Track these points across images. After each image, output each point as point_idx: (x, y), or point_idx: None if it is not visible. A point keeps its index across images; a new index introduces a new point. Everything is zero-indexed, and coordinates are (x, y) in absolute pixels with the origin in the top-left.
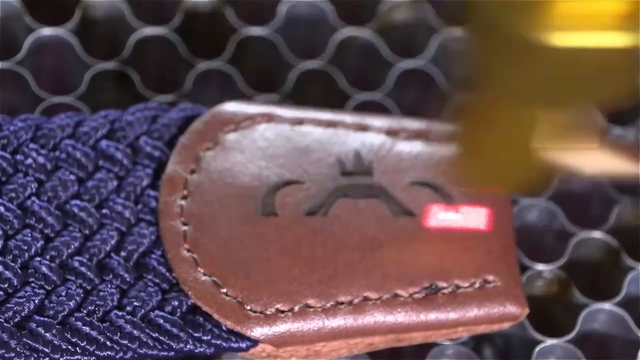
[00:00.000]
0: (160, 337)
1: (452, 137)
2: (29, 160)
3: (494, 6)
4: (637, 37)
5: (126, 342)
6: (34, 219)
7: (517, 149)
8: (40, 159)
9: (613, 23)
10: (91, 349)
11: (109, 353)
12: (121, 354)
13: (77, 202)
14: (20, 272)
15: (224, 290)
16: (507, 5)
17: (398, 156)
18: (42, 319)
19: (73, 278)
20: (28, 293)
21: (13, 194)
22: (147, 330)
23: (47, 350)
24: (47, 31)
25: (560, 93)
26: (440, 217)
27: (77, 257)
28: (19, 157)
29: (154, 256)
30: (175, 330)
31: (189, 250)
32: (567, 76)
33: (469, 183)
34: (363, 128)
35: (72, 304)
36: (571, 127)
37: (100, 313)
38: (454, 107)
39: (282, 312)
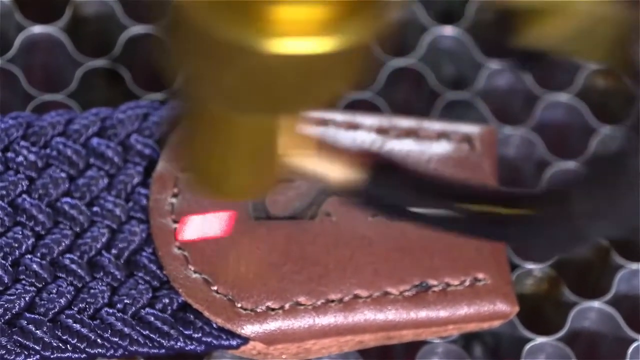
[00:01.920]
0: (151, 335)
1: (182, 148)
2: (20, 158)
3: (198, 8)
4: (345, 40)
5: (117, 339)
6: (24, 216)
7: (241, 156)
8: (31, 157)
9: (321, 28)
10: (82, 347)
11: (100, 350)
12: (112, 351)
13: (68, 199)
14: (11, 269)
15: (215, 287)
16: (213, 7)
17: (389, 154)
18: (32, 316)
19: (64, 275)
20: (19, 290)
21: (4, 192)
22: (138, 328)
23: (37, 347)
24: (37, 29)
25: (275, 99)
26: (191, 228)
27: (68, 255)
28: (9, 154)
29: (144, 254)
30: (165, 327)
31: (179, 248)
32: (280, 82)
33: (207, 193)
34: (354, 126)
35: (62, 301)
36: (288, 133)
37: (91, 310)
38: (177, 117)
39: (273, 309)
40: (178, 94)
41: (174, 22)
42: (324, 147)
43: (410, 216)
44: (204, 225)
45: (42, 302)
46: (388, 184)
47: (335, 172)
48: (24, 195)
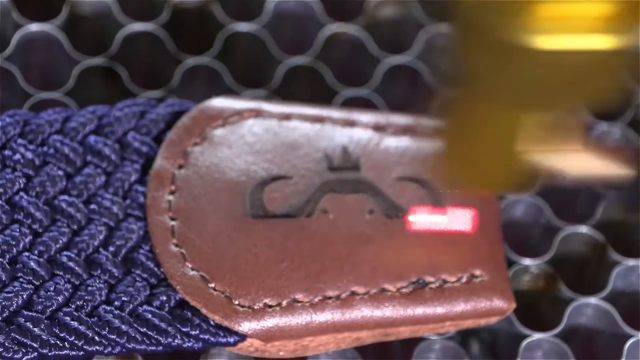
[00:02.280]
0: (149, 332)
1: (438, 137)
2: (17, 156)
3: (480, 7)
4: (622, 39)
5: (114, 336)
6: (22, 214)
7: (502, 151)
8: (29, 155)
9: (597, 25)
10: (79, 344)
11: (97, 348)
12: (109, 348)
13: (66, 197)
14: (8, 267)
15: (212, 285)
16: (493, 6)
17: (385, 151)
18: (30, 313)
19: (61, 273)
20: (16, 288)
21: (1, 190)
22: (135, 325)
23: (35, 345)
24: (35, 27)
25: (544, 95)
26: (425, 219)
27: (65, 252)
28: (7, 152)
29: (142, 251)
30: (163, 325)
31: (177, 245)
32: (552, 79)
33: (453, 183)
34: (350, 123)
35: (60, 299)
36: (556, 129)
37: (89, 308)
38: (440, 105)
39: (270, 306)
40: (452, 86)
41: (462, 23)
42: (593, 144)
43: None
44: (454, 218)
45: (40, 299)
46: None
47: (606, 168)
48: (22, 193)
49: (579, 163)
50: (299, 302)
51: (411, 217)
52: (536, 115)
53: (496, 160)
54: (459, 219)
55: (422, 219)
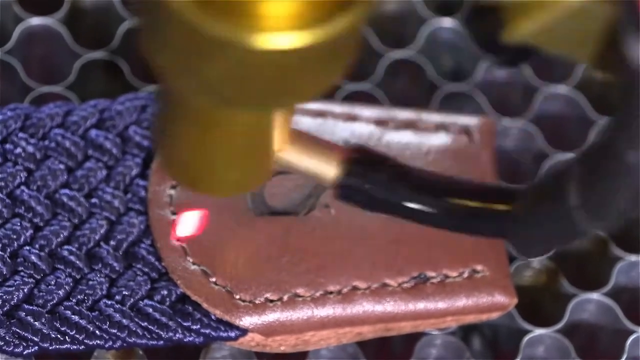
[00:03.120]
0: (149, 326)
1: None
2: (18, 150)
3: (189, 6)
4: (324, 33)
5: (115, 331)
6: (23, 208)
7: (224, 151)
8: (30, 148)
9: (301, 22)
10: (80, 338)
11: (98, 342)
12: (110, 342)
13: (67, 191)
14: (9, 260)
15: (213, 279)
16: (203, 5)
17: (387, 146)
18: (31, 307)
19: (62, 267)
20: (17, 282)
21: (2, 183)
22: (136, 319)
23: (36, 339)
24: (36, 21)
25: (261, 93)
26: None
27: (66, 246)
28: (8, 146)
29: (143, 245)
30: (164, 319)
31: (178, 240)
32: (265, 76)
33: (193, 188)
34: (352, 118)
35: (61, 292)
36: (275, 128)
37: (90, 302)
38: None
39: (271, 301)
40: (161, 90)
41: (158, 17)
42: (305, 141)
43: (399, 212)
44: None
45: (41, 293)
46: (367, 178)
47: (315, 165)
48: (23, 187)
49: (299, 160)
50: (300, 296)
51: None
52: (255, 114)
53: (222, 162)
54: (186, 222)
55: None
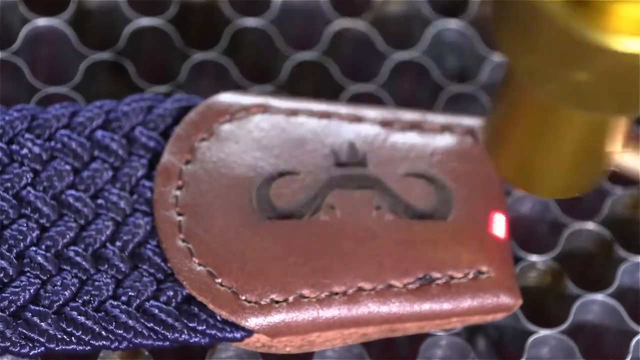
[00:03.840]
0: (155, 327)
1: (502, 134)
2: (25, 150)
3: (559, 8)
4: None
5: (121, 331)
6: (29, 208)
7: (566, 152)
8: (36, 149)
9: None
10: (86, 339)
11: (104, 343)
12: (116, 343)
13: (73, 192)
14: (15, 261)
15: (219, 280)
16: (567, 6)
17: (392, 147)
18: (37, 308)
19: (68, 268)
20: (23, 282)
21: (8, 184)
22: (142, 320)
23: (42, 339)
24: (42, 21)
25: (623, 98)
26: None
27: (72, 247)
28: (14, 147)
29: (149, 246)
30: (170, 320)
31: (184, 241)
32: (631, 81)
33: (517, 183)
34: (357, 119)
35: (67, 293)
36: (619, 131)
37: (96, 303)
38: (507, 104)
39: (277, 302)
40: (503, 91)
41: (527, 20)
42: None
43: None
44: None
45: (47, 294)
46: None
47: None
48: (29, 188)
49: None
50: (305, 297)
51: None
52: (613, 118)
53: (562, 162)
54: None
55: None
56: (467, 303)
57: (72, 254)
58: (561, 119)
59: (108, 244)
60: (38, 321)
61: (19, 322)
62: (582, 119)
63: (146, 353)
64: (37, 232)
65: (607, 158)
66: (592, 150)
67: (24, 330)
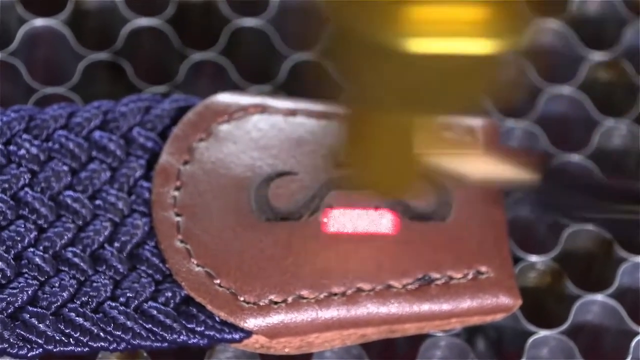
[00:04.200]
0: (154, 328)
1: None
2: (22, 151)
3: (352, 11)
4: (497, 43)
5: (119, 333)
6: (27, 209)
7: (398, 155)
8: (33, 150)
9: (472, 29)
10: (84, 340)
11: (103, 344)
12: (114, 344)
13: (71, 193)
14: (13, 262)
15: (218, 281)
16: (365, 10)
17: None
18: (35, 309)
19: (66, 269)
20: (21, 284)
21: (6, 185)
22: (141, 321)
23: (40, 341)
24: (39, 22)
25: (423, 99)
26: (339, 220)
27: (70, 248)
28: (11, 147)
29: (147, 247)
30: (168, 321)
31: (182, 241)
32: (428, 82)
33: (360, 187)
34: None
35: (65, 294)
36: (454, 132)
37: (94, 304)
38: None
39: (276, 303)
40: (346, 96)
41: (334, 24)
42: (494, 148)
43: (582, 218)
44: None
45: (45, 295)
46: (560, 185)
47: (507, 172)
48: (27, 189)
49: (481, 166)
50: (304, 298)
51: (327, 219)
52: (424, 119)
53: (394, 165)
54: (378, 221)
55: (338, 220)
56: (466, 303)
57: (70, 255)
58: (373, 120)
59: (106, 245)
60: (36, 322)
61: (16, 323)
62: (388, 120)
63: (144, 354)
64: (34, 233)
65: (418, 159)
66: (404, 151)
67: (21, 332)
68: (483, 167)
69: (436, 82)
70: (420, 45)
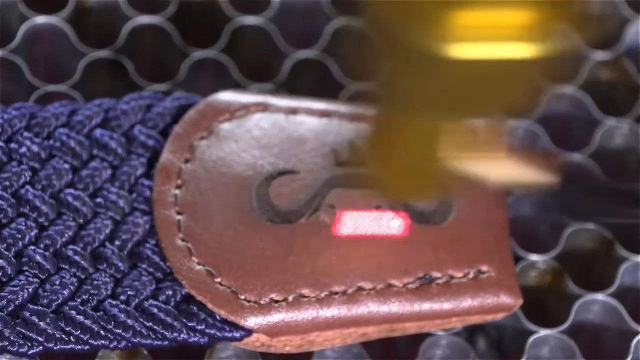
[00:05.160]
0: (154, 327)
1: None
2: (23, 149)
3: (392, 15)
4: (538, 47)
5: (120, 331)
6: (28, 207)
7: (424, 159)
8: (35, 148)
9: (513, 34)
10: (85, 338)
11: (103, 342)
12: (115, 343)
13: (72, 191)
14: (14, 260)
15: (218, 279)
16: (406, 14)
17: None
18: (36, 307)
19: (67, 267)
20: (22, 282)
21: (7, 183)
22: (141, 320)
23: (40, 339)
24: (41, 19)
25: (461, 104)
26: (351, 224)
27: (71, 246)
28: (13, 145)
29: (148, 245)
30: (169, 319)
31: (183, 240)
32: (467, 87)
33: (383, 192)
34: (357, 118)
35: (66, 292)
36: (478, 136)
37: (94, 302)
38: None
39: (276, 301)
40: (374, 97)
41: (372, 27)
42: (514, 150)
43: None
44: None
45: (45, 293)
46: (577, 189)
47: (527, 174)
48: (27, 186)
49: (501, 170)
50: (305, 297)
51: (337, 224)
52: (455, 123)
53: (419, 169)
54: (385, 223)
55: (348, 224)
56: (467, 303)
57: (70, 253)
58: (403, 124)
59: (107, 243)
60: (37, 320)
61: (17, 321)
62: (419, 124)
63: (145, 352)
64: (35, 231)
65: (441, 164)
66: (432, 155)
67: (22, 330)
68: (504, 170)
69: (475, 86)
70: (460, 50)
